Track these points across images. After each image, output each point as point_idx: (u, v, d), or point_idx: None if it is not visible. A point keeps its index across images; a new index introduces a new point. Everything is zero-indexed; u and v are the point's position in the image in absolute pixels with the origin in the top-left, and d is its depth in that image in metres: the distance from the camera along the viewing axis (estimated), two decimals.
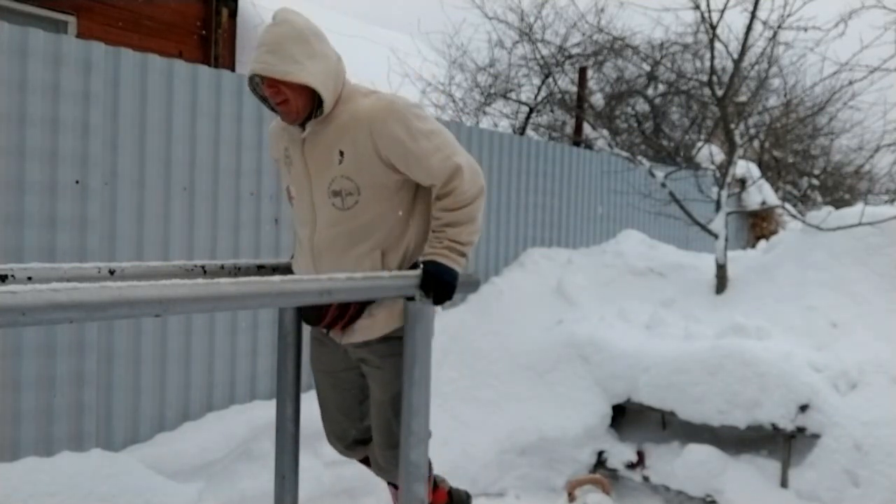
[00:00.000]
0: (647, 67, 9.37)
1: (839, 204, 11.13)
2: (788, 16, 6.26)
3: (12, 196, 3.11)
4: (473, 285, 2.42)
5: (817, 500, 4.04)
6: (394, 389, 2.21)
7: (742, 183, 9.48)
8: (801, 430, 4.24)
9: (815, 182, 13.25)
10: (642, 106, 10.54)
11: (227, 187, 3.92)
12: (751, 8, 6.13)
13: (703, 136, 9.89)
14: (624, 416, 5.01)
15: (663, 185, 6.71)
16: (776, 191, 11.44)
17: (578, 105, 8.37)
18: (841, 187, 13.38)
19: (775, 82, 9.69)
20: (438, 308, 2.24)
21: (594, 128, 8.50)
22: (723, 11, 6.16)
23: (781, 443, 4.29)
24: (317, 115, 2.12)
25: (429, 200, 2.23)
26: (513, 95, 9.80)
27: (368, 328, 2.24)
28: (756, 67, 7.58)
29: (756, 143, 10.93)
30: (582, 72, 8.51)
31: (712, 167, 7.67)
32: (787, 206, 9.81)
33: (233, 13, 7.86)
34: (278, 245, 4.17)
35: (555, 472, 4.59)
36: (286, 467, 2.40)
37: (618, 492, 4.54)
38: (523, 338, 5.26)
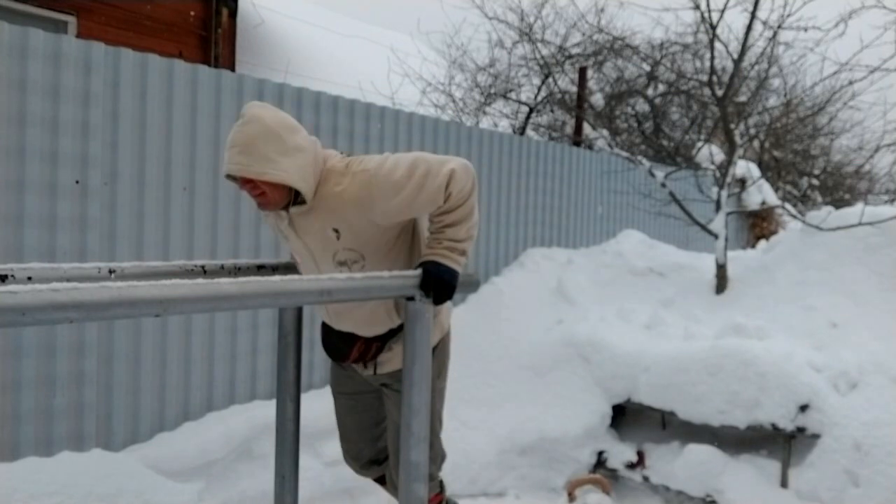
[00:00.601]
0: (647, 67, 9.37)
1: (839, 204, 11.13)
2: (788, 16, 6.27)
3: (12, 196, 3.11)
4: (473, 285, 2.43)
5: (817, 500, 4.03)
6: None
7: (742, 183, 9.49)
8: (801, 430, 4.24)
9: (815, 182, 13.26)
10: (642, 106, 10.54)
11: (227, 187, 3.92)
12: (751, 8, 6.13)
13: (703, 136, 9.89)
14: (624, 416, 5.01)
15: (663, 185, 6.71)
16: (776, 191, 11.45)
17: (578, 105, 8.37)
18: (841, 187, 13.39)
19: (775, 82, 9.71)
20: (449, 305, 2.30)
21: (594, 128, 8.50)
22: (723, 11, 6.16)
23: (781, 443, 4.29)
24: (297, 202, 2.14)
25: (425, 223, 2.30)
26: (513, 95, 9.80)
27: (389, 361, 2.35)
28: (756, 67, 7.58)
29: (756, 143, 10.94)
30: (582, 72, 8.51)
31: (712, 167, 7.68)
32: (787, 206, 9.81)
33: (233, 13, 7.86)
34: (278, 245, 4.17)
35: (555, 472, 4.58)
36: (286, 467, 2.40)
37: (618, 492, 4.54)
38: (523, 338, 5.26)
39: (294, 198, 2.13)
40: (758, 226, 10.52)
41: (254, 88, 4.04)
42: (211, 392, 3.88)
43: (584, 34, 9.22)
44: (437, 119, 5.53)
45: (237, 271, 2.25)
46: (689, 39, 9.28)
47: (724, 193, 6.22)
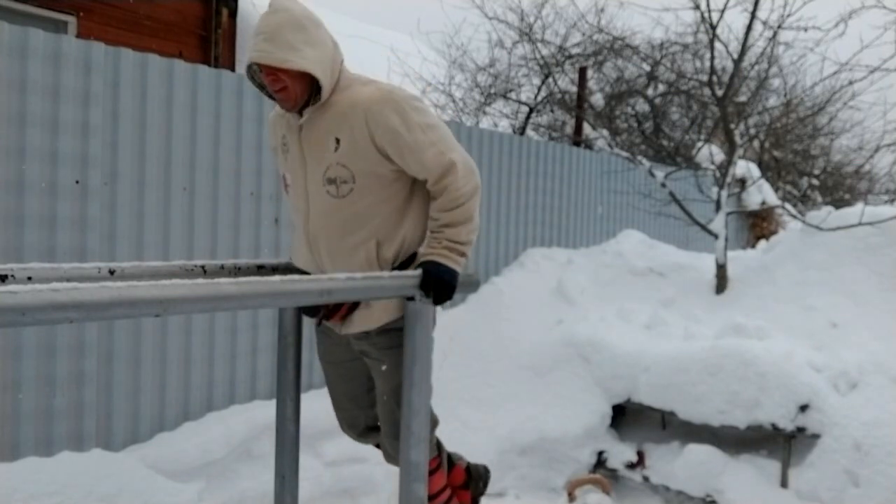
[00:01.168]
0: (647, 67, 9.37)
1: (839, 204, 11.13)
2: (788, 16, 6.27)
3: (12, 196, 3.11)
4: (473, 285, 2.42)
5: (817, 500, 4.03)
6: (395, 380, 2.23)
7: (742, 183, 9.49)
8: (801, 430, 4.24)
9: (815, 182, 13.26)
10: (642, 106, 10.54)
11: (227, 187, 3.92)
12: (751, 8, 6.13)
13: (703, 136, 9.89)
14: (624, 416, 5.01)
15: (663, 185, 6.71)
16: (776, 191, 11.45)
17: (578, 105, 8.37)
18: (841, 187, 13.39)
19: (775, 82, 9.71)
20: (438, 308, 2.25)
21: (594, 128, 8.50)
22: (723, 11, 6.16)
23: (781, 443, 4.29)
24: (314, 102, 2.13)
25: (426, 195, 2.23)
26: (513, 95, 9.80)
27: (366, 319, 2.26)
28: (756, 67, 7.59)
29: (756, 143, 10.94)
30: (582, 72, 8.51)
31: (712, 167, 7.68)
32: (787, 206, 9.81)
33: (233, 13, 7.86)
34: (278, 245, 4.17)
35: (555, 472, 4.58)
36: (286, 467, 2.40)
37: (618, 492, 4.54)
38: (523, 338, 5.26)
39: (311, 98, 2.13)
40: (758, 226, 10.52)
41: (254, 88, 4.02)
42: (211, 392, 3.88)
43: (584, 34, 9.23)
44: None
45: (237, 271, 2.25)
46: (689, 39, 9.29)
47: (724, 193, 6.22)
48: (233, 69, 7.51)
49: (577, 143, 8.13)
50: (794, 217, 7.77)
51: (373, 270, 2.19)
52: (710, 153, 8.62)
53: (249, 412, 3.84)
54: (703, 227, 6.19)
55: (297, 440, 2.42)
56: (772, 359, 4.38)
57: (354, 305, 2.25)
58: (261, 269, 2.33)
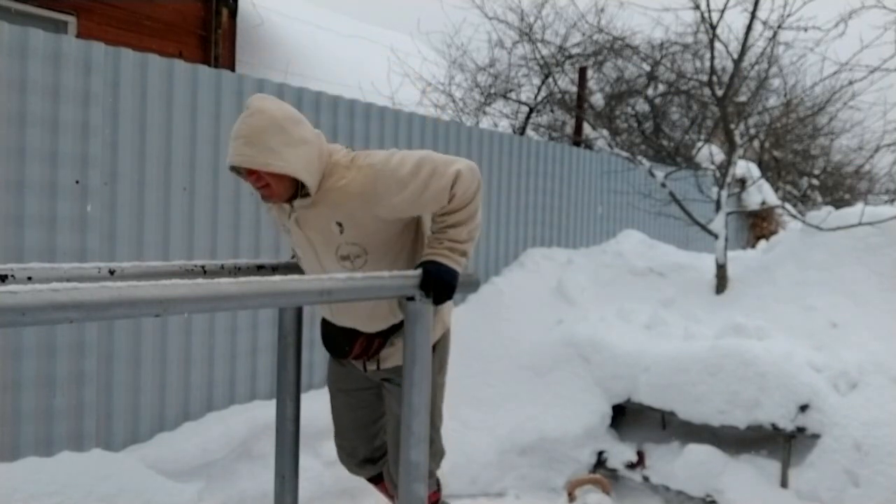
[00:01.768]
0: (647, 67, 9.37)
1: (839, 204, 11.13)
2: (788, 16, 6.27)
3: (12, 196, 3.11)
4: (473, 285, 2.42)
5: (817, 500, 4.03)
6: None
7: (742, 183, 9.49)
8: (801, 430, 4.24)
9: (815, 182, 13.26)
10: (642, 106, 10.54)
11: (227, 187, 3.92)
12: (751, 8, 6.13)
13: (703, 136, 9.89)
14: (624, 416, 5.01)
15: (663, 185, 6.71)
16: (776, 191, 11.45)
17: (578, 105, 8.36)
18: (841, 187, 13.39)
19: (775, 82, 9.71)
20: (451, 306, 2.29)
21: (594, 128, 8.50)
22: (723, 11, 6.16)
23: (781, 443, 4.29)
24: (302, 195, 2.14)
25: (428, 220, 2.29)
26: (513, 95, 9.80)
27: (391, 357, 2.34)
28: (756, 67, 7.58)
29: (756, 143, 10.94)
30: (582, 72, 8.51)
31: (712, 167, 7.68)
32: (787, 206, 9.81)
33: (233, 13, 7.87)
34: (278, 245, 4.17)
35: (555, 472, 4.58)
36: (286, 467, 2.40)
37: (618, 492, 4.54)
38: (523, 338, 5.26)
39: (298, 190, 2.13)
40: (758, 226, 10.53)
41: (254, 88, 4.03)
42: (211, 392, 3.88)
43: (584, 34, 9.22)
44: (436, 119, 5.53)
45: (237, 271, 2.25)
46: (689, 39, 9.29)
47: (724, 193, 6.22)
48: (233, 69, 7.51)
49: (577, 143, 8.13)
50: (794, 217, 7.77)
51: (395, 314, 2.30)
52: (710, 153, 8.62)
53: (249, 412, 3.84)
54: (703, 227, 6.19)
55: (297, 440, 2.42)
56: (772, 359, 4.38)
57: (381, 346, 2.31)
58: (261, 269, 2.33)
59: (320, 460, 3.82)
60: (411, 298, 2.08)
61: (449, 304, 2.47)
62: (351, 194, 2.10)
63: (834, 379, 4.43)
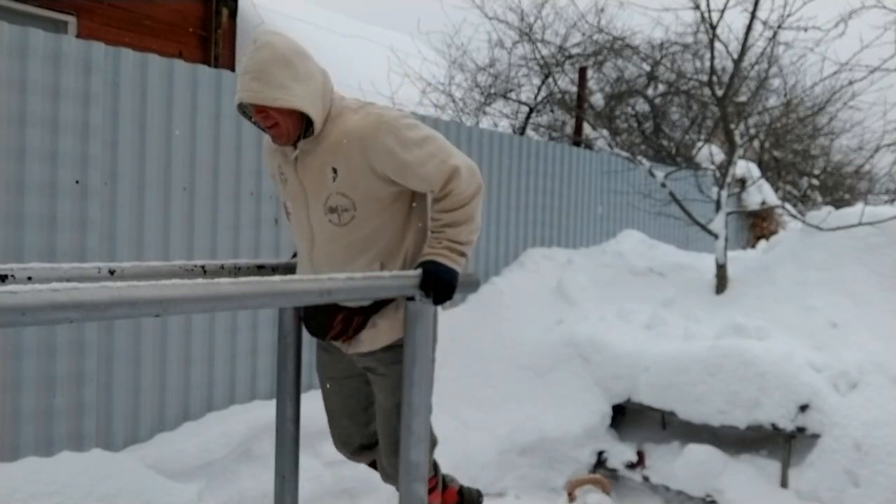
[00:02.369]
0: (647, 67, 9.37)
1: (839, 204, 11.13)
2: (788, 16, 6.27)
3: (12, 196, 3.11)
4: (473, 285, 2.42)
5: (817, 500, 4.03)
6: (398, 396, 2.22)
7: (742, 183, 9.49)
8: (801, 430, 4.24)
9: (815, 182, 13.26)
10: (642, 106, 10.54)
11: (227, 187, 3.92)
12: (751, 8, 6.13)
13: (703, 136, 9.90)
14: (624, 416, 5.01)
15: (663, 185, 6.71)
16: (776, 191, 11.45)
17: (578, 105, 8.37)
18: (841, 187, 13.39)
19: (775, 82, 9.71)
20: (439, 309, 2.25)
21: (594, 128, 8.50)
22: (723, 11, 6.16)
23: (781, 443, 4.29)
24: (307, 135, 2.12)
25: (425, 206, 2.24)
26: (513, 95, 9.80)
27: (372, 338, 2.27)
28: (756, 67, 7.59)
29: (756, 143, 10.94)
30: (582, 72, 8.51)
31: (712, 167, 7.68)
32: (787, 206, 9.81)
33: (233, 13, 7.86)
34: (278, 245, 4.17)
35: (555, 472, 4.58)
36: (286, 467, 2.40)
37: (618, 492, 4.54)
38: (523, 338, 5.26)
39: (303, 131, 2.12)
40: (758, 226, 10.53)
41: None
42: (211, 392, 3.88)
43: (584, 34, 9.22)
44: (436, 119, 5.53)
45: (237, 271, 2.25)
46: (689, 39, 9.29)
47: (724, 193, 6.22)
48: (233, 69, 7.50)
49: (577, 143, 8.13)
50: (794, 217, 7.77)
51: (373, 258, 2.21)
52: (710, 153, 8.62)
53: (249, 412, 3.84)
54: (703, 227, 6.19)
55: (297, 440, 2.41)
56: (772, 359, 4.38)
57: (361, 325, 2.26)
58: (261, 269, 2.33)
59: (320, 460, 3.82)
60: (411, 298, 2.08)
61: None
62: (352, 135, 2.08)
63: (834, 379, 4.43)
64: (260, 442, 3.70)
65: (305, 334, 2.42)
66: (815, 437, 4.22)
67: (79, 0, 6.50)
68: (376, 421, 2.43)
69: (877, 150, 8.27)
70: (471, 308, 5.42)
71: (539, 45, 9.01)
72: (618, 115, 10.34)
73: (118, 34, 6.53)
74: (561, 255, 6.35)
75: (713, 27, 6.22)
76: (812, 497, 4.05)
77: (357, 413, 2.51)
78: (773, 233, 10.00)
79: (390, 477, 2.44)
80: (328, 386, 2.52)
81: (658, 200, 7.10)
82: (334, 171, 2.12)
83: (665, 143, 10.02)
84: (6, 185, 3.09)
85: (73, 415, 3.33)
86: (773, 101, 10.16)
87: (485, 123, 9.56)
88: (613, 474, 4.66)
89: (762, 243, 8.00)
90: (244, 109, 2.16)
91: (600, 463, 4.72)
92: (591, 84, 9.54)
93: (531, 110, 9.68)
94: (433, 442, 2.51)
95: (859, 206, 5.89)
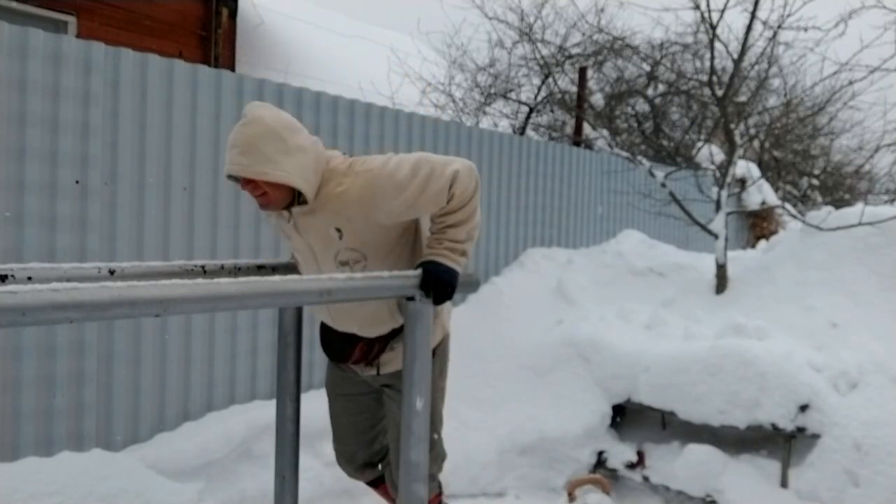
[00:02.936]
0: (647, 67, 9.37)
1: (839, 204, 11.13)
2: (788, 16, 6.27)
3: (12, 196, 3.11)
4: (473, 285, 2.42)
5: (817, 500, 4.03)
6: None
7: (742, 183, 9.49)
8: (801, 430, 4.24)
9: (815, 182, 13.26)
10: (642, 106, 10.54)
11: (227, 187, 3.92)
12: (751, 8, 6.13)
13: (703, 136, 9.89)
14: (624, 416, 5.01)
15: (663, 185, 6.71)
16: (776, 191, 11.45)
17: (578, 105, 8.37)
18: (841, 187, 13.38)
19: (775, 82, 9.71)
20: (449, 307, 2.29)
21: (594, 128, 8.50)
22: (723, 11, 6.16)
23: (781, 443, 4.29)
24: (300, 203, 2.14)
25: (426, 222, 2.28)
26: (513, 95, 9.80)
27: (391, 361, 2.33)
28: (756, 67, 7.58)
29: (756, 143, 10.93)
30: (582, 72, 8.51)
31: (712, 167, 7.68)
32: (787, 206, 9.81)
33: (233, 13, 7.86)
34: (278, 245, 4.17)
35: (555, 472, 4.58)
36: (286, 467, 2.40)
37: (618, 492, 4.54)
38: (523, 338, 5.26)
39: (296, 198, 2.13)
40: (758, 226, 10.52)
41: (254, 88, 4.04)
42: (211, 392, 3.88)
43: (584, 34, 9.22)
44: (437, 119, 5.53)
45: (237, 271, 2.25)
46: (689, 39, 9.29)
47: (724, 193, 6.22)
48: (233, 69, 7.51)
49: (577, 143, 8.13)
50: (794, 217, 7.77)
51: (395, 318, 2.29)
52: (710, 153, 8.62)
53: (249, 412, 3.84)
54: (703, 227, 6.19)
55: (297, 440, 2.42)
56: (772, 359, 4.38)
57: (380, 351, 2.30)
58: (261, 269, 2.33)
59: (320, 460, 3.82)
60: (411, 298, 2.08)
61: (448, 306, 2.46)
62: (349, 201, 2.10)
63: (834, 379, 4.43)
64: (260, 442, 3.70)
65: (305, 335, 2.43)
66: (815, 437, 4.22)
67: (79, 0, 6.50)
68: (389, 435, 2.45)
69: (877, 150, 8.27)
70: (471, 308, 5.42)
71: (539, 45, 9.01)
72: (618, 115, 10.34)
73: (118, 34, 6.54)
74: (561, 255, 6.35)
75: (713, 27, 6.22)
76: (812, 497, 4.05)
77: (364, 431, 2.54)
78: (773, 233, 10.00)
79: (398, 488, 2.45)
80: (338, 403, 2.55)
81: (658, 200, 7.10)
82: (338, 231, 2.15)
83: (665, 143, 10.02)
84: (6, 185, 3.09)
85: (73, 415, 3.33)
86: (773, 101, 10.17)
87: (485, 123, 9.56)
88: (613, 474, 4.65)
89: (762, 243, 8.00)
90: (236, 178, 2.15)
91: (600, 463, 4.72)
92: (591, 84, 9.54)
93: (531, 110, 9.68)
94: (442, 457, 2.52)
95: (859, 206, 5.88)
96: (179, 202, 3.71)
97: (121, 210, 3.48)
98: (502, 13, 15.55)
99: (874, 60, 6.23)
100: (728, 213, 6.22)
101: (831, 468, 4.08)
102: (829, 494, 4.01)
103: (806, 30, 6.39)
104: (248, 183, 2.06)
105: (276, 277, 1.72)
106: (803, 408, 4.24)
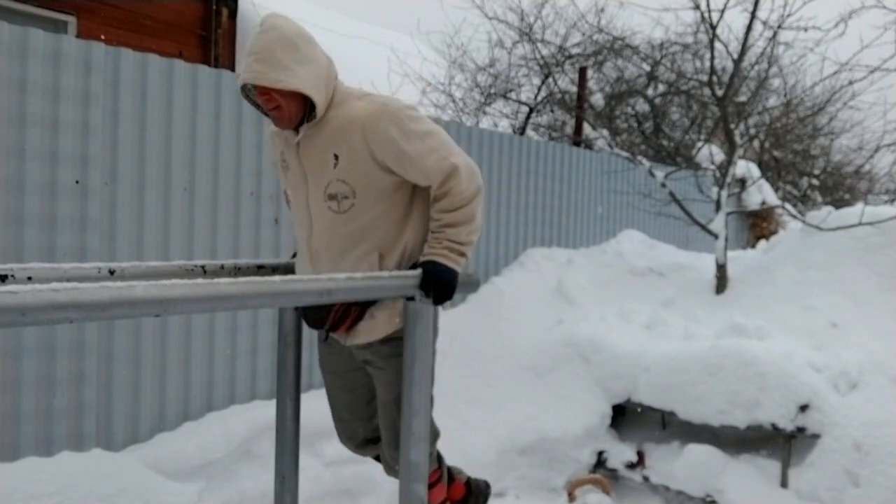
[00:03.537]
0: (647, 67, 9.37)
1: (839, 204, 11.13)
2: (788, 16, 6.28)
3: (12, 196, 3.11)
4: (473, 285, 2.42)
5: (817, 500, 4.03)
6: (397, 389, 2.22)
7: (742, 183, 9.48)
8: (801, 430, 4.24)
9: (815, 182, 13.26)
10: (642, 106, 10.54)
11: (227, 187, 3.92)
12: (751, 8, 6.13)
13: (703, 136, 9.89)
14: (624, 416, 5.01)
15: (663, 185, 6.71)
16: (776, 191, 11.45)
17: (578, 105, 8.37)
18: (841, 187, 13.39)
19: (775, 82, 9.71)
20: (440, 309, 2.25)
21: (594, 128, 8.50)
22: (723, 11, 6.16)
23: (781, 443, 4.29)
24: (310, 120, 2.13)
25: (427, 200, 2.23)
26: (513, 95, 9.80)
27: (370, 329, 2.26)
28: (756, 67, 7.59)
29: (756, 143, 10.94)
30: (582, 72, 8.51)
31: (712, 167, 7.68)
32: (787, 206, 9.81)
33: (233, 13, 7.87)
34: (278, 245, 4.17)
35: (555, 472, 4.58)
36: (286, 467, 2.40)
37: (618, 492, 4.54)
38: (523, 338, 5.26)
39: (306, 116, 2.13)
40: (758, 226, 10.52)
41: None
42: (211, 392, 3.88)
43: (584, 34, 9.23)
44: (437, 119, 5.53)
45: (237, 271, 2.25)
46: (689, 39, 9.29)
47: (724, 193, 6.22)
48: (233, 69, 7.50)
49: (577, 143, 8.13)
50: (794, 217, 7.77)
51: (372, 256, 2.20)
52: (710, 153, 8.62)
53: (249, 412, 3.84)
54: (703, 227, 6.19)
55: (297, 440, 2.41)
56: (772, 359, 4.38)
57: (359, 316, 2.26)
58: (261, 269, 2.33)
59: (320, 460, 3.82)
60: (411, 298, 2.08)
61: None
62: (354, 121, 2.09)
63: (834, 379, 4.43)
64: (260, 442, 3.70)
65: (305, 335, 2.42)
66: (815, 437, 4.22)
67: (79, 0, 6.50)
68: (379, 415, 2.43)
69: (877, 150, 8.28)
70: (471, 308, 5.42)
71: (539, 45, 9.01)
72: (618, 115, 10.34)
73: (118, 34, 6.54)
74: (561, 255, 6.35)
75: (713, 27, 6.23)
76: (812, 497, 4.05)
77: (360, 407, 2.51)
78: (773, 233, 10.00)
79: (392, 469, 2.44)
80: (331, 380, 2.52)
81: (658, 200, 7.10)
82: (335, 157, 2.13)
83: (665, 143, 10.02)
84: (6, 185, 3.09)
85: (73, 415, 3.33)
86: (773, 101, 10.17)
87: (485, 123, 9.56)
88: (613, 474, 4.66)
89: (762, 243, 8.00)
90: (247, 93, 2.16)
91: (600, 463, 4.72)
92: (591, 84, 9.55)
93: (531, 110, 9.68)
94: (435, 434, 2.50)
95: (859, 206, 5.89)
96: (179, 202, 3.71)
97: (121, 210, 3.48)
98: (502, 13, 15.55)
99: (874, 60, 6.24)
100: (728, 213, 6.22)
101: (831, 468, 4.08)
102: (829, 494, 4.01)
103: (806, 30, 6.40)
104: (262, 94, 2.06)
105: (276, 277, 1.72)
106: (803, 408, 4.24)
